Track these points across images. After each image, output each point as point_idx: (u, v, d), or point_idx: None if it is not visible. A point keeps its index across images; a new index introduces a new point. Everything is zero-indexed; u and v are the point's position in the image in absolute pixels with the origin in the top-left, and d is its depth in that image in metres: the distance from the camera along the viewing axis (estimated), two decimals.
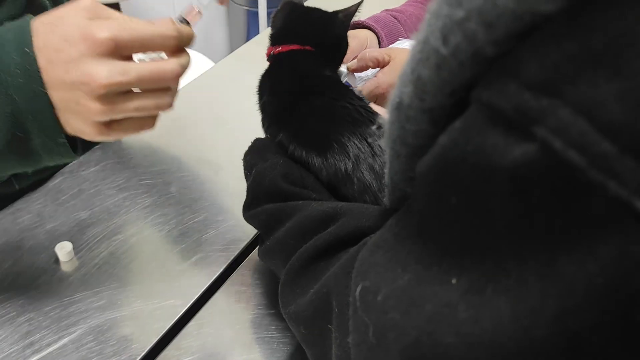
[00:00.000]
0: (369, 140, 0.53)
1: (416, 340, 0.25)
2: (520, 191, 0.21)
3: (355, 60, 0.74)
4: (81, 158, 0.76)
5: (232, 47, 2.06)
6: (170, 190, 0.72)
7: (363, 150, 0.52)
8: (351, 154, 0.52)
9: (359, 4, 0.66)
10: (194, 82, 1.04)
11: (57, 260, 0.63)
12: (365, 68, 0.75)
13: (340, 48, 0.65)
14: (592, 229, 0.19)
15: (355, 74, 0.76)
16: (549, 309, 0.20)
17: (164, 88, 0.44)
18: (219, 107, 0.90)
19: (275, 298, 0.60)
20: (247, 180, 0.57)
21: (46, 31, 0.42)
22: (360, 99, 0.59)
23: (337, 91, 0.60)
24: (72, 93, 0.41)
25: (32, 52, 0.41)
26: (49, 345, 0.55)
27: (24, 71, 0.41)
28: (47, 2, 0.64)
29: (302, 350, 0.55)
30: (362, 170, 0.51)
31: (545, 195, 0.20)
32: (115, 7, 2.01)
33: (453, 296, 0.23)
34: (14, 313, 0.58)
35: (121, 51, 0.41)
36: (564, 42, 0.19)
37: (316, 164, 0.53)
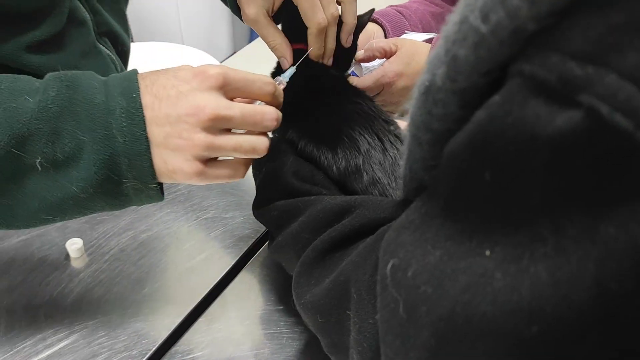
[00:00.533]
0: (380, 135, 0.53)
1: (450, 312, 0.25)
2: (561, 159, 0.21)
3: (362, 51, 0.75)
4: None
5: (236, 46, 2.07)
6: (179, 187, 0.73)
7: (374, 145, 0.52)
8: (362, 149, 0.52)
9: (370, 13, 0.66)
10: None
11: (67, 257, 0.64)
12: (373, 58, 0.75)
13: (349, 52, 0.66)
14: (636, 191, 0.19)
15: (362, 64, 0.77)
16: (588, 274, 0.20)
17: (260, 132, 0.47)
18: None
19: (284, 294, 0.61)
20: (256, 180, 0.58)
21: (154, 74, 0.45)
22: (370, 99, 0.59)
23: (347, 90, 0.60)
24: (177, 126, 0.42)
25: (138, 96, 0.42)
26: (60, 340, 0.56)
27: (128, 115, 0.42)
28: (88, 18, 0.65)
29: (312, 345, 0.56)
30: (372, 164, 0.52)
31: (589, 161, 0.20)
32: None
33: (488, 266, 0.24)
34: (26, 309, 0.59)
35: (228, 89, 0.44)
36: (609, 14, 0.20)
37: (326, 159, 0.53)
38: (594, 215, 0.20)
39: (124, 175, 0.43)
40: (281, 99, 0.50)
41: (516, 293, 0.23)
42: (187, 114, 0.42)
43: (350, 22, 0.61)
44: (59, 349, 0.55)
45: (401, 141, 0.55)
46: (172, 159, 0.44)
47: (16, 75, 0.44)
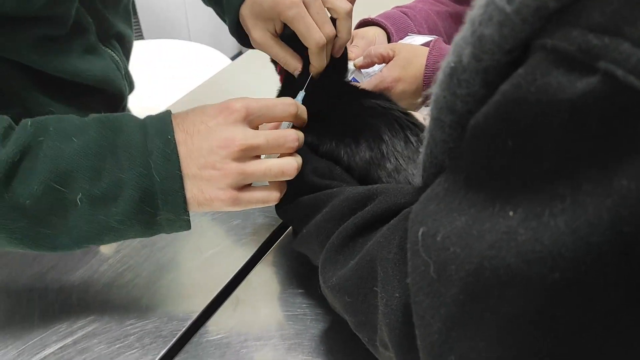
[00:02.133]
0: (400, 123, 0.55)
1: (478, 266, 0.27)
2: (580, 120, 0.24)
3: (361, 57, 0.76)
4: None
5: None
6: None
7: (395, 133, 0.54)
8: (385, 137, 0.54)
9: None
10: (213, 78, 1.08)
11: None
12: (372, 64, 0.77)
13: (342, 59, 0.66)
14: None
15: (362, 70, 0.79)
16: (604, 220, 0.23)
17: (287, 154, 0.50)
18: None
19: (305, 278, 0.64)
20: None
21: (183, 113, 0.49)
22: (383, 96, 0.61)
23: (358, 91, 0.62)
24: (210, 158, 0.46)
25: (173, 138, 0.46)
26: (93, 321, 0.58)
27: (165, 155, 0.46)
28: (91, 23, 0.69)
29: (334, 326, 0.58)
30: (395, 152, 0.54)
31: (605, 120, 0.23)
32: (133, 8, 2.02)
33: (512, 224, 0.26)
34: (59, 293, 0.61)
35: (251, 119, 0.48)
36: None
37: (350, 150, 0.55)
38: (608, 169, 0.23)
39: (159, 208, 0.47)
40: (305, 117, 0.53)
41: (538, 244, 0.25)
42: (218, 146, 0.46)
43: (344, 38, 0.62)
44: (93, 329, 0.58)
45: (420, 130, 0.57)
46: (208, 188, 0.47)
47: (61, 117, 0.47)
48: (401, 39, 0.85)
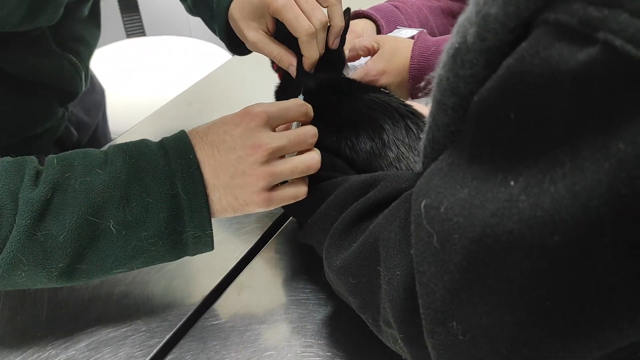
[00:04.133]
0: (400, 112, 0.56)
1: (480, 234, 0.29)
2: (581, 88, 0.25)
3: (347, 50, 0.76)
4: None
5: None
6: None
7: (396, 122, 0.56)
8: (385, 127, 0.55)
9: (348, 14, 0.65)
10: (214, 74, 1.09)
11: None
12: (357, 57, 0.77)
13: (338, 52, 0.67)
14: None
15: (348, 63, 0.78)
16: (602, 182, 0.24)
17: (308, 149, 0.52)
18: (243, 94, 0.94)
19: (308, 263, 0.65)
20: None
21: (204, 127, 0.51)
22: (379, 88, 0.62)
23: (355, 85, 0.63)
24: (240, 166, 0.48)
25: (195, 157, 0.48)
26: (100, 306, 0.60)
27: (188, 175, 0.48)
28: (44, 30, 0.72)
29: (337, 310, 0.59)
30: (396, 141, 0.55)
31: (605, 88, 0.24)
32: (135, 4, 2.03)
33: (514, 192, 0.27)
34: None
35: (271, 122, 0.50)
36: None
37: (350, 142, 0.56)
38: (606, 134, 0.24)
39: (186, 225, 0.48)
40: (312, 114, 0.55)
41: (539, 209, 0.26)
42: (246, 153, 0.48)
43: (338, 25, 0.62)
44: (100, 313, 0.59)
45: (419, 118, 0.58)
46: (242, 194, 0.49)
47: (84, 151, 0.48)
48: (390, 32, 0.85)
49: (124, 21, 2.08)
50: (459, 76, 0.33)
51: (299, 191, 0.52)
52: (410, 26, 0.87)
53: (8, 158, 0.46)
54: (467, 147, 0.32)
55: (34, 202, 0.43)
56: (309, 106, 0.53)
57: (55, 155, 0.47)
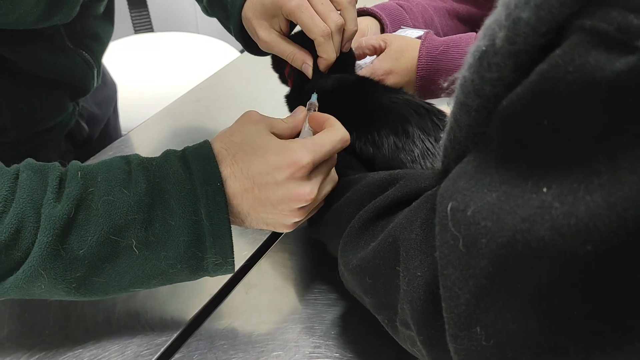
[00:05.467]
0: (423, 108, 0.55)
1: (510, 240, 0.28)
2: (618, 98, 0.24)
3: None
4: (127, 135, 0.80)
5: None
6: None
7: (420, 117, 0.55)
8: (411, 119, 0.54)
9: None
10: (222, 71, 1.08)
11: None
12: (364, 56, 0.76)
13: (348, 55, 0.66)
14: None
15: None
16: None
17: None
18: (251, 92, 0.93)
19: (317, 263, 0.64)
20: None
21: (241, 158, 0.49)
22: (398, 89, 0.61)
23: (373, 86, 0.62)
24: (280, 207, 0.49)
25: (222, 184, 0.47)
26: (108, 307, 0.59)
27: (214, 202, 0.47)
28: (59, 27, 0.71)
29: (346, 311, 0.59)
30: (421, 135, 0.54)
31: None
32: (143, 0, 2.03)
33: (546, 199, 0.27)
34: None
35: (315, 167, 0.50)
36: None
37: (372, 139, 0.55)
38: None
39: (207, 251, 0.48)
40: (349, 141, 0.54)
41: (573, 217, 0.26)
42: (289, 199, 0.48)
43: (351, 29, 0.61)
44: (108, 315, 0.58)
45: (444, 116, 0.57)
46: (273, 223, 0.51)
47: (107, 165, 0.47)
48: (395, 31, 0.84)
49: (132, 17, 2.08)
50: (484, 79, 0.32)
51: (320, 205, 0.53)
52: (414, 26, 0.86)
53: (31, 161, 0.46)
54: (495, 151, 0.31)
55: (57, 219, 0.42)
56: (347, 136, 0.52)
57: (79, 167, 0.46)
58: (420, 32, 0.79)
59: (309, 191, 0.48)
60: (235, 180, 0.48)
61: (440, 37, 0.82)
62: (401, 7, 0.87)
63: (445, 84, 0.39)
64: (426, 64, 0.72)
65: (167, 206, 0.46)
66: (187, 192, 0.47)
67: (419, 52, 0.72)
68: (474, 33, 0.73)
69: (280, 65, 0.72)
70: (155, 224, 0.46)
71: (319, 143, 0.49)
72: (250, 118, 0.51)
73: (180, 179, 0.47)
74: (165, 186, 0.47)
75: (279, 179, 0.48)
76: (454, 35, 0.74)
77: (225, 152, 0.49)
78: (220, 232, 0.47)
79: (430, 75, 0.73)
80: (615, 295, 0.26)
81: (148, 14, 2.09)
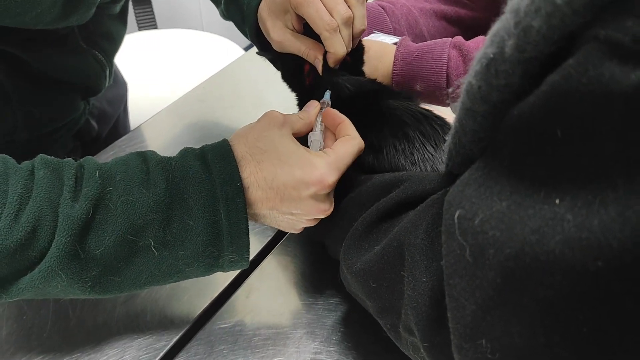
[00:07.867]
0: (423, 112, 0.55)
1: (518, 251, 0.27)
2: (635, 112, 0.23)
3: None
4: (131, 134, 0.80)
5: None
6: None
7: (419, 122, 0.54)
8: (410, 123, 0.54)
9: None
10: (226, 68, 1.08)
11: None
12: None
13: (357, 51, 0.66)
14: None
15: None
16: None
17: None
18: (256, 90, 0.93)
19: (318, 267, 0.64)
20: None
21: (266, 167, 0.48)
22: (408, 97, 0.61)
23: (375, 90, 0.62)
24: (301, 217, 0.51)
25: (241, 185, 0.47)
26: (108, 310, 0.59)
27: (233, 203, 0.47)
28: (72, 27, 0.71)
29: (347, 316, 0.58)
30: (422, 139, 0.53)
31: None
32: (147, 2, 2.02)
33: (559, 211, 0.26)
34: None
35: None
36: None
37: (375, 141, 0.54)
38: None
39: (225, 250, 0.48)
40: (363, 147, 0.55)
41: (585, 231, 0.25)
42: (309, 212, 0.50)
43: (358, 27, 0.59)
44: (108, 317, 0.58)
45: (443, 121, 0.57)
46: (286, 226, 0.53)
47: (125, 163, 0.47)
48: (369, 34, 0.82)
49: (136, 13, 2.07)
50: (491, 85, 0.32)
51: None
52: (395, 28, 0.84)
53: (45, 157, 0.45)
54: (505, 160, 0.31)
55: (75, 219, 0.42)
56: (363, 145, 0.52)
57: (96, 165, 0.46)
58: (389, 39, 0.78)
59: (328, 207, 0.50)
60: (259, 189, 0.48)
61: (426, 39, 0.81)
62: (383, 8, 0.85)
63: (450, 89, 0.38)
64: (401, 70, 0.72)
65: (185, 206, 0.46)
66: (207, 192, 0.46)
67: (394, 58, 0.73)
68: (449, 39, 0.73)
69: (288, 74, 0.70)
70: (173, 223, 0.45)
71: (341, 158, 0.50)
72: (274, 120, 0.51)
73: (200, 180, 0.47)
74: (184, 186, 0.46)
75: (303, 195, 0.48)
76: (429, 41, 0.74)
77: (250, 157, 0.49)
78: (239, 231, 0.47)
79: (405, 81, 0.73)
80: (626, 313, 0.25)
81: (152, 11, 2.08)
